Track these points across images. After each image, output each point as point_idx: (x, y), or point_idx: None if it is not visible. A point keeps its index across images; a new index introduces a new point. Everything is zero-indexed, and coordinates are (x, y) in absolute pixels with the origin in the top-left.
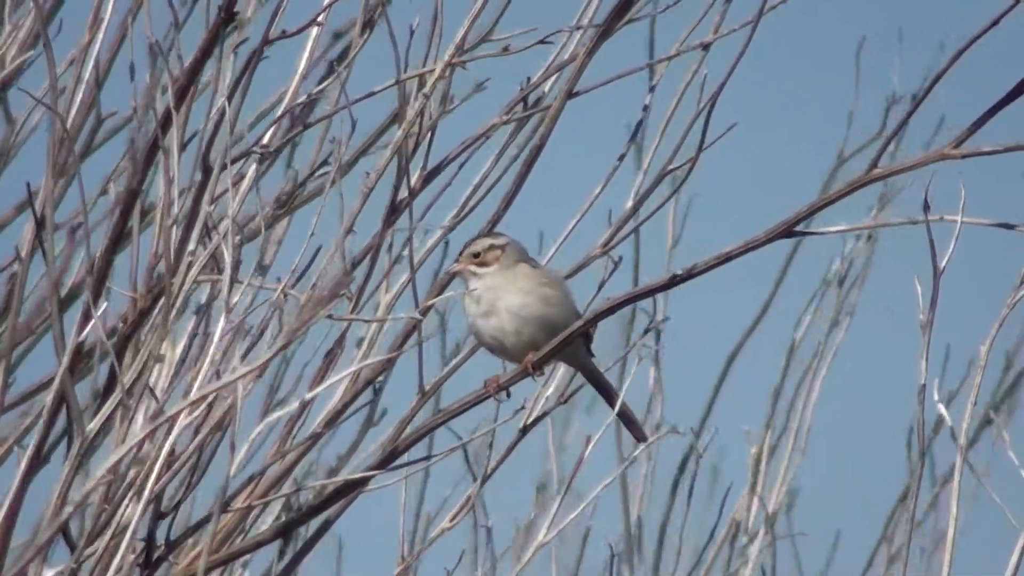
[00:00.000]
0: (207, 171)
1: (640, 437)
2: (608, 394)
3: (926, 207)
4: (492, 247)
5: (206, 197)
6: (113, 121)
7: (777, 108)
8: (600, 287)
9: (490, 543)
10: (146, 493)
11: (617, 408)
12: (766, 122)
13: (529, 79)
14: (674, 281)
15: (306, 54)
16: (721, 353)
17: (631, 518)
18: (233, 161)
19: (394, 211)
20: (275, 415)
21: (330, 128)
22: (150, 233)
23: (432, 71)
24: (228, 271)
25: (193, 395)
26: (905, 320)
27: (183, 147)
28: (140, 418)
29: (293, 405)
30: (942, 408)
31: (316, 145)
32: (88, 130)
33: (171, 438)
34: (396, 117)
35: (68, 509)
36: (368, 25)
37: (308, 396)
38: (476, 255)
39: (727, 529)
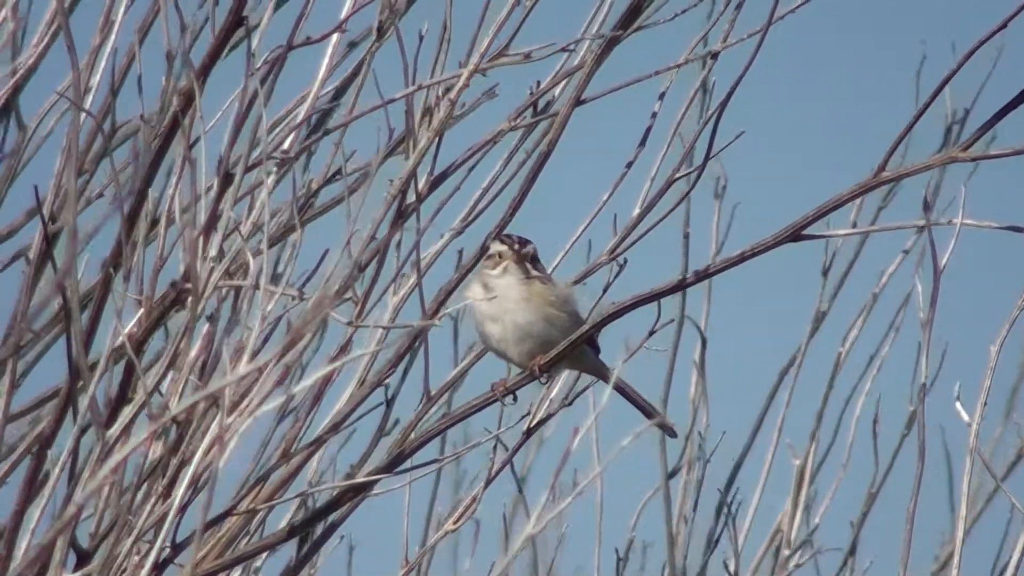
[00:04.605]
0: (228, 176)
1: (670, 433)
2: (626, 395)
3: (926, 207)
4: (535, 257)
5: (228, 202)
6: (126, 128)
7: (790, 114)
8: (605, 290)
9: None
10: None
11: (612, 383)
12: (793, 127)
13: (539, 83)
14: (682, 284)
15: (326, 60)
16: (751, 359)
17: (672, 528)
18: (252, 167)
19: (401, 215)
20: (264, 408)
21: (343, 135)
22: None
23: (457, 77)
24: (260, 277)
25: (192, 398)
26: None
27: (188, 151)
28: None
29: (280, 398)
30: (959, 407)
31: (331, 151)
32: (103, 137)
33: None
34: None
35: (71, 510)
36: (382, 32)
37: (296, 389)
38: (532, 258)
39: (768, 541)
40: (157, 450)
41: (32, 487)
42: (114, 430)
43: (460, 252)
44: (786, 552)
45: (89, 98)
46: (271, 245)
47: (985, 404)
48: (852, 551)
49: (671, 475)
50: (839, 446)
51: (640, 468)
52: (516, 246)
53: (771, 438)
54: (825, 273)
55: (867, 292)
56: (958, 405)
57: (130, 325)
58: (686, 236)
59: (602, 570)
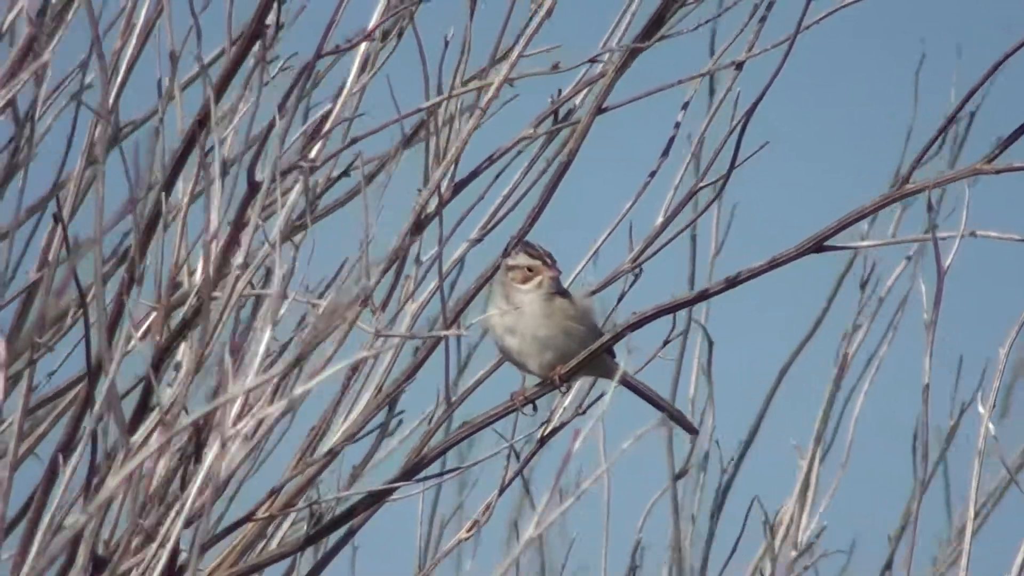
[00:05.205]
0: (254, 186)
1: (690, 430)
2: (643, 394)
3: (930, 208)
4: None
5: (256, 211)
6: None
7: (815, 123)
8: (620, 298)
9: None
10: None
11: (616, 381)
12: (804, 136)
13: (560, 91)
14: (704, 295)
15: (354, 68)
16: (754, 365)
17: (680, 530)
18: (279, 176)
19: (419, 223)
20: (269, 411)
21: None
22: (170, 244)
23: (486, 86)
24: (276, 284)
25: (204, 409)
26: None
27: (204, 157)
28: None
29: (284, 402)
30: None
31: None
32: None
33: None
34: (417, 130)
35: (81, 519)
36: (387, 35)
37: (300, 390)
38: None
39: (767, 543)
40: (170, 462)
41: (48, 492)
42: (137, 437)
43: (460, 262)
44: (793, 553)
45: (109, 100)
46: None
47: (994, 406)
48: (888, 565)
49: (678, 476)
50: (837, 447)
51: (648, 469)
52: (548, 260)
53: (773, 439)
54: (863, 286)
55: (872, 292)
56: (980, 409)
57: (141, 329)
58: (693, 239)
59: (609, 572)
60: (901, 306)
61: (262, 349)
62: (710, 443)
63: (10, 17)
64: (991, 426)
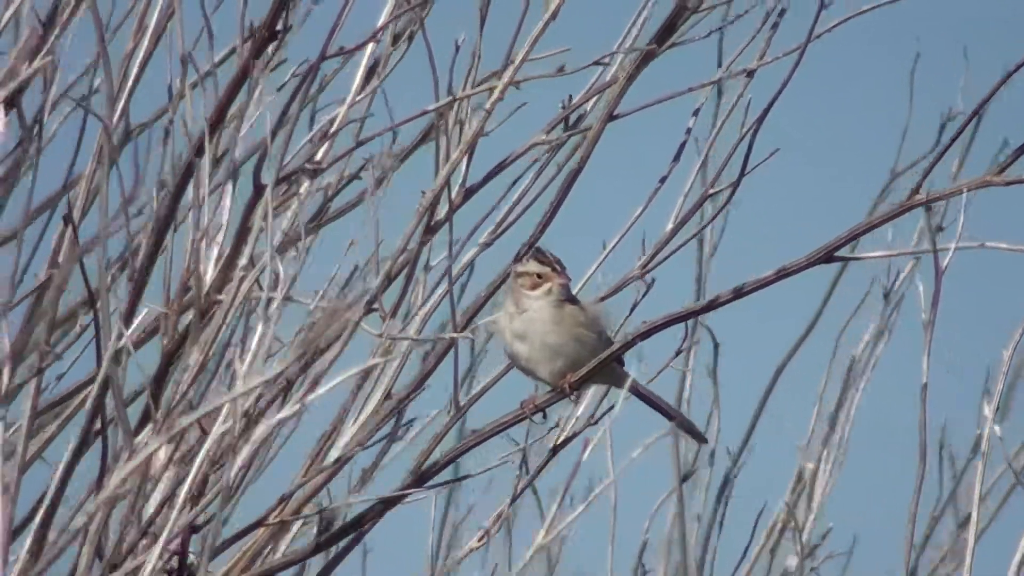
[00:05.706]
0: (259, 188)
1: (699, 439)
2: (652, 403)
3: (940, 228)
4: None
5: (260, 213)
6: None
7: (826, 130)
8: (633, 308)
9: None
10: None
11: (624, 391)
12: (815, 144)
13: (571, 97)
14: (713, 304)
15: (360, 71)
16: (758, 367)
17: (686, 537)
18: (284, 179)
19: (429, 228)
20: (278, 417)
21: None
22: (180, 247)
23: (490, 89)
24: (280, 286)
25: (200, 411)
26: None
27: (216, 162)
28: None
29: (296, 407)
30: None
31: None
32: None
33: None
34: (428, 134)
35: (82, 519)
36: (398, 38)
37: (310, 398)
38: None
39: (764, 541)
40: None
41: (61, 494)
42: (142, 437)
43: (470, 267)
44: (795, 555)
45: (120, 103)
46: (281, 250)
47: (998, 408)
48: (913, 572)
49: (685, 478)
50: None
51: (651, 469)
52: (558, 267)
53: (774, 439)
54: (887, 296)
55: (875, 292)
56: (986, 411)
57: (137, 333)
58: (714, 246)
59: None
60: (898, 305)
61: (253, 349)
62: (715, 445)
63: (8, 13)
64: (996, 428)
